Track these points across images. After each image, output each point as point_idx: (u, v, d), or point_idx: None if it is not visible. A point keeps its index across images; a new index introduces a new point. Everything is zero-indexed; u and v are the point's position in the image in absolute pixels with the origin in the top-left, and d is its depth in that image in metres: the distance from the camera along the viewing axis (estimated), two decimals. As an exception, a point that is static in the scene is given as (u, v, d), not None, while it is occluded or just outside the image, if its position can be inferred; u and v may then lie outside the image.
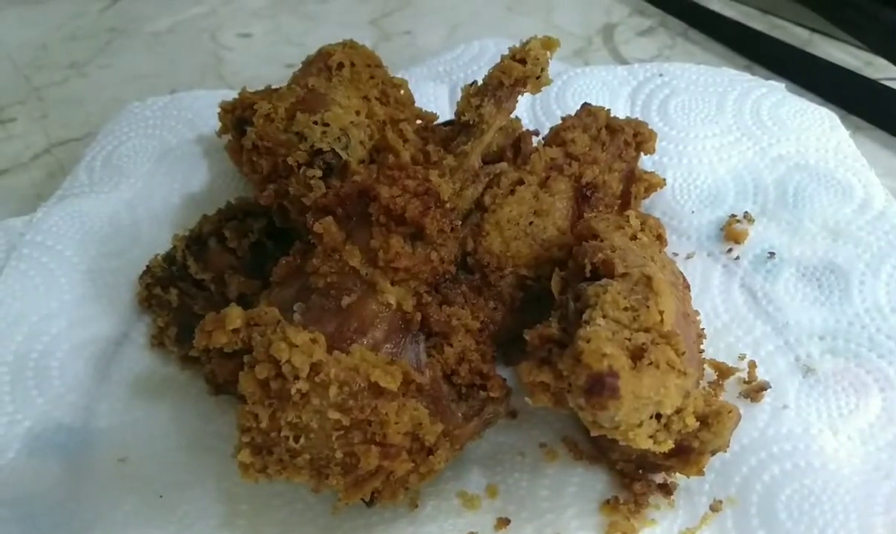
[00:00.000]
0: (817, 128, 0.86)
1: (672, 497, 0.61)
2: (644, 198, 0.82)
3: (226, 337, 0.56)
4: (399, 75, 0.99)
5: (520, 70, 0.72)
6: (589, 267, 0.60)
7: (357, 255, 0.59)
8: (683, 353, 0.55)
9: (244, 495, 0.62)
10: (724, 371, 0.68)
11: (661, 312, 0.55)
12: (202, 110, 0.94)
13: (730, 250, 0.78)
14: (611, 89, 0.96)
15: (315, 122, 0.68)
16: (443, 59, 1.05)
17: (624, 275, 0.58)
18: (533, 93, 0.75)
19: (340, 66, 0.75)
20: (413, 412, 0.56)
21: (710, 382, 0.68)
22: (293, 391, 0.54)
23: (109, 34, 1.29)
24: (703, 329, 0.66)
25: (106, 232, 0.79)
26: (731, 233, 0.79)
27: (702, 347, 0.65)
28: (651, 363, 0.52)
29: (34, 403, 0.66)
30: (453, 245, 0.64)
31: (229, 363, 0.64)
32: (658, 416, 0.53)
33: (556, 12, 1.37)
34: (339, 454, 0.54)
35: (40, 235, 0.77)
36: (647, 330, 0.54)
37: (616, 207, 0.77)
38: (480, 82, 0.75)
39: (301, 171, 0.66)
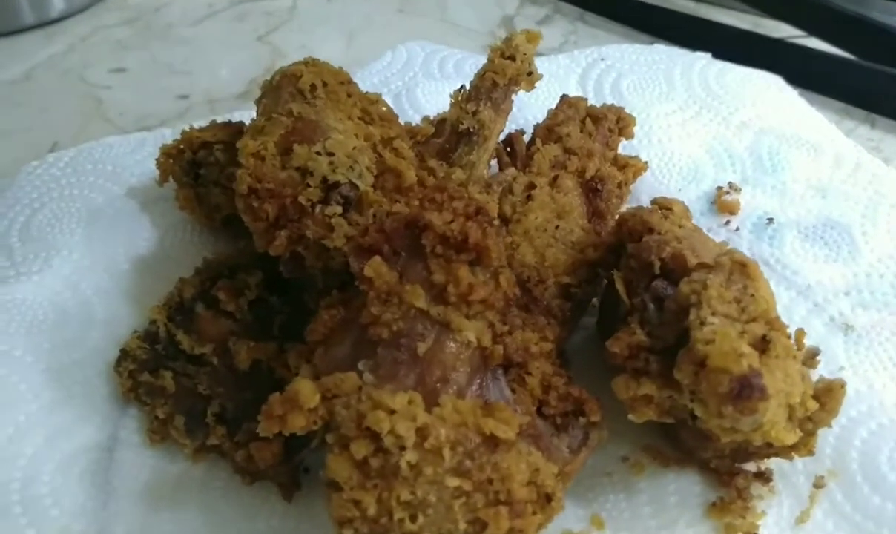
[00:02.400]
0: (768, 91, 0.89)
1: (772, 484, 0.59)
2: (632, 183, 0.80)
3: (303, 418, 0.47)
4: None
5: (512, 68, 0.68)
6: (658, 263, 0.57)
7: (420, 294, 0.51)
8: (790, 336, 0.53)
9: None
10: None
11: (765, 299, 0.52)
12: (121, 159, 0.81)
13: (727, 222, 0.78)
14: (558, 79, 0.93)
15: (318, 153, 0.59)
16: (373, 70, 0.97)
17: (706, 266, 0.55)
18: (527, 90, 0.70)
19: (314, 87, 0.65)
20: (529, 459, 0.49)
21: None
22: (402, 465, 0.46)
23: (-46, 92, 1.08)
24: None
25: (53, 320, 0.65)
26: (723, 205, 0.79)
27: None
28: (776, 355, 0.50)
29: (35, 545, 0.52)
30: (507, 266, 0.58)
31: (271, 445, 0.55)
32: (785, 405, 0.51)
33: (449, 11, 1.33)
34: (462, 524, 0.47)
35: (-26, 339, 0.61)
36: (755, 320, 0.52)
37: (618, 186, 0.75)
38: (469, 87, 0.70)
39: (317, 210, 0.57)
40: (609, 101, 0.90)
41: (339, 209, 0.57)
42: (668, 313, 0.54)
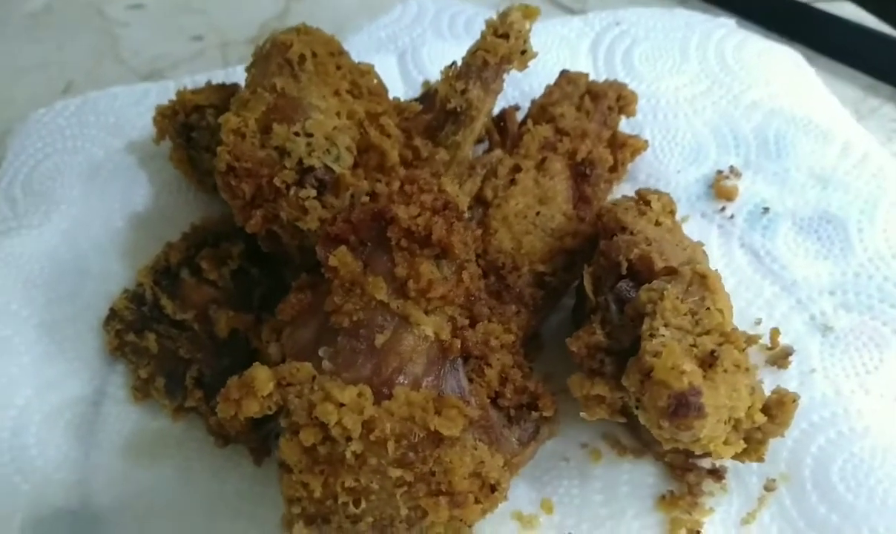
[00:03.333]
0: (784, 69, 0.86)
1: (724, 481, 0.60)
2: (630, 162, 0.79)
3: (257, 404, 0.50)
4: (338, 47, 0.91)
5: (504, 47, 0.67)
6: (625, 264, 0.57)
7: (382, 286, 0.53)
8: (744, 348, 0.54)
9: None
10: (746, 340, 0.66)
11: (721, 311, 0.53)
12: (124, 111, 0.83)
13: (723, 209, 0.77)
14: (569, 44, 0.91)
15: (297, 134, 0.59)
16: (381, 23, 0.96)
17: (671, 271, 0.55)
18: (519, 70, 0.69)
19: (303, 58, 0.65)
20: (474, 452, 0.51)
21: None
22: (348, 454, 0.48)
23: (-24, 22, 1.10)
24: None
25: (49, 274, 0.68)
26: (721, 190, 0.78)
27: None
28: (723, 370, 0.50)
29: (20, 490, 0.57)
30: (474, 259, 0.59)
31: (240, 416, 0.57)
32: (728, 419, 0.52)
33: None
34: (403, 511, 0.49)
35: (-26, 293, 0.65)
36: (709, 333, 0.52)
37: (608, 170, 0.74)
38: (460, 63, 0.69)
39: (292, 192, 0.58)
40: (619, 69, 0.88)
41: (314, 192, 0.59)
42: (626, 318, 0.55)
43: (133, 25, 1.11)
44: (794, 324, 0.68)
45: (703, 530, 0.58)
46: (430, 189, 0.56)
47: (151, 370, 0.63)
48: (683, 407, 0.47)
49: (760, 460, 0.56)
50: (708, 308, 0.52)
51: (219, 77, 0.86)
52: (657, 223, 0.62)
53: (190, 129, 0.71)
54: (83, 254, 0.71)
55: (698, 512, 0.59)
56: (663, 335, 0.51)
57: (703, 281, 0.53)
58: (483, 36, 0.67)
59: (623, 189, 0.79)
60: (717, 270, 0.70)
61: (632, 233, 0.59)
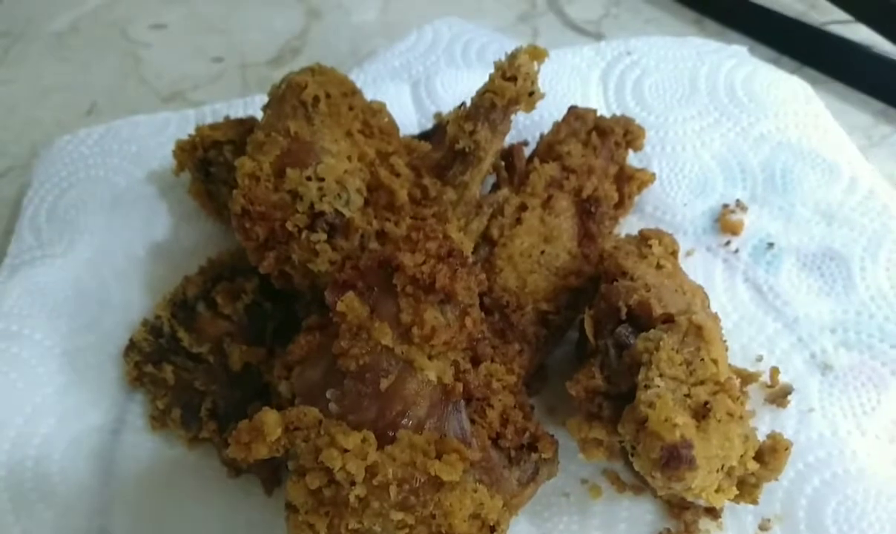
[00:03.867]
0: (793, 101, 0.86)
1: (720, 520, 0.62)
2: (637, 195, 0.80)
3: (266, 448, 0.52)
4: (353, 77, 0.93)
5: (512, 90, 0.68)
6: (624, 310, 0.59)
7: (388, 332, 0.55)
8: (739, 397, 0.55)
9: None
10: (746, 377, 0.68)
11: (715, 362, 0.54)
12: (146, 140, 0.85)
13: (728, 243, 0.78)
14: (580, 74, 0.92)
15: (309, 178, 0.62)
16: (396, 51, 0.98)
17: (669, 319, 0.56)
18: (526, 111, 0.71)
19: (317, 100, 0.68)
20: (473, 495, 0.53)
21: (733, 390, 0.68)
22: (351, 498, 0.50)
23: (4, 40, 1.14)
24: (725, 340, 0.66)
25: (72, 303, 0.71)
26: (726, 224, 0.79)
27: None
28: (717, 420, 0.52)
29: (42, 518, 0.60)
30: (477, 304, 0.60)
31: (252, 448, 0.60)
32: (721, 467, 0.53)
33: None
34: (405, 553, 0.52)
35: (2, 321, 0.68)
36: (703, 382, 0.54)
37: (614, 207, 0.76)
38: (469, 104, 0.71)
39: (303, 236, 0.61)
40: (629, 100, 0.89)
41: (324, 236, 0.61)
42: (624, 364, 0.56)
43: (155, 46, 1.14)
44: (795, 362, 0.69)
45: (698, 569, 0.60)
46: (435, 237, 0.58)
47: (168, 401, 0.66)
48: (675, 459, 0.49)
49: (754, 503, 0.58)
50: (702, 359, 0.54)
51: (238, 106, 0.89)
52: (658, 266, 0.63)
53: (208, 164, 0.74)
54: (105, 283, 0.74)
55: (694, 550, 0.61)
56: (658, 386, 0.52)
57: (699, 332, 0.54)
58: (491, 78, 0.69)
59: (630, 221, 0.80)
60: (720, 306, 0.73)
61: (632, 278, 0.60)
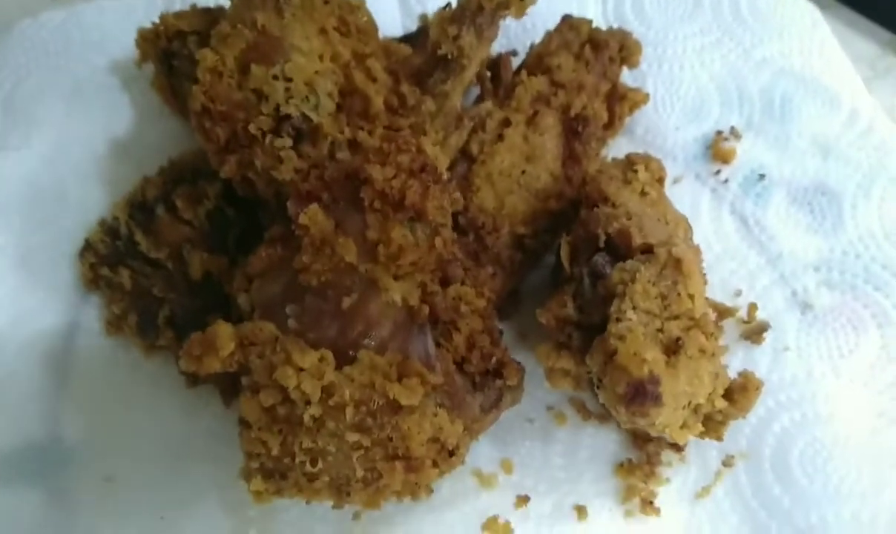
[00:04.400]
0: (799, 25, 0.81)
1: (683, 453, 0.61)
2: (628, 116, 0.76)
3: (218, 363, 0.50)
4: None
5: (502, -9, 0.63)
6: (603, 237, 0.56)
7: (352, 248, 0.52)
8: (713, 334, 0.53)
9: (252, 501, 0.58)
10: (722, 312, 0.67)
11: (691, 297, 0.52)
12: (110, 27, 0.79)
13: (718, 172, 0.75)
14: (579, -21, 0.86)
15: (275, 77, 0.57)
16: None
17: (645, 250, 0.54)
18: (516, 17, 0.66)
19: (290, -9, 0.63)
20: (433, 419, 0.52)
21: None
22: (306, 417, 0.49)
23: None
24: (705, 273, 0.64)
25: (27, 200, 0.68)
26: (718, 152, 0.75)
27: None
28: (687, 356, 0.50)
29: (-8, 422, 0.59)
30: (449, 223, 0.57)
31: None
32: (688, 404, 0.52)
33: None
34: (360, 472, 0.50)
35: (-48, 215, 0.65)
36: (678, 318, 0.52)
37: (602, 128, 0.72)
38: (455, 4, 0.66)
39: (267, 140, 0.57)
40: (629, 15, 0.84)
41: (289, 142, 0.57)
42: (598, 295, 0.54)
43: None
44: (774, 299, 0.68)
45: (656, 500, 0.59)
46: (408, 149, 0.54)
47: (124, 307, 0.63)
48: (640, 395, 0.47)
49: (719, 440, 0.57)
50: (679, 293, 0.51)
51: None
52: (643, 193, 0.60)
53: (172, 56, 0.69)
54: (62, 179, 0.70)
55: (654, 482, 0.60)
56: (630, 319, 0.50)
57: (678, 265, 0.52)
58: (480, -22, 0.64)
59: (619, 143, 0.77)
60: (703, 237, 0.71)
61: (613, 205, 0.57)
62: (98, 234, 0.65)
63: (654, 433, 0.52)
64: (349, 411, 0.49)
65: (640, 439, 0.62)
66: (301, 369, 0.49)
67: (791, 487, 0.58)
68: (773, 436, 0.60)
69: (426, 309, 0.54)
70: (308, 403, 0.49)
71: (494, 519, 0.58)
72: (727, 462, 0.60)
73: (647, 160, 0.63)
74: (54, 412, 0.60)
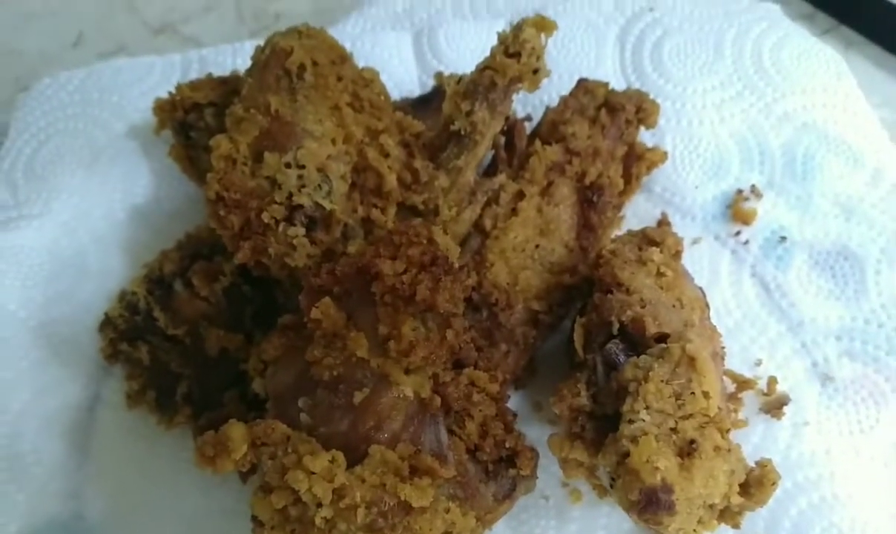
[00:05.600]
0: (823, 78, 0.79)
1: (700, 536, 0.60)
2: (646, 176, 0.75)
3: (231, 464, 0.50)
4: (352, 22, 0.87)
5: (514, 68, 0.63)
6: (617, 325, 0.55)
7: (364, 343, 0.52)
8: (728, 430, 0.52)
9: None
10: (742, 384, 0.66)
11: (706, 394, 0.51)
12: (128, 89, 0.81)
13: (738, 233, 0.74)
14: (597, 31, 0.85)
15: (288, 165, 0.58)
16: (400, -7, 0.91)
17: (660, 339, 0.53)
18: (530, 91, 0.65)
19: (302, 69, 0.62)
20: (445, 516, 0.52)
21: (728, 395, 0.66)
22: (317, 519, 0.49)
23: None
24: (723, 348, 0.63)
25: (48, 269, 0.69)
26: (738, 212, 0.74)
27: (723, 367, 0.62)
28: (703, 457, 0.49)
29: (14, 501, 0.60)
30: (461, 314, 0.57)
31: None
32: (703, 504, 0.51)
33: None
34: (373, 574, 0.51)
35: (-27, 291, 0.66)
36: (692, 416, 0.51)
37: (618, 195, 0.71)
38: (468, 78, 0.65)
39: (280, 229, 0.57)
40: (647, 66, 0.83)
41: (302, 230, 0.57)
42: (611, 386, 0.54)
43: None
44: (795, 369, 0.67)
45: (674, 584, 0.59)
46: (418, 242, 0.54)
47: (143, 382, 0.64)
48: (654, 504, 0.47)
49: (736, 527, 0.56)
50: (692, 393, 0.51)
51: (226, 52, 0.84)
52: (659, 273, 0.59)
53: (189, 127, 0.69)
54: (83, 249, 0.71)
55: (671, 565, 0.59)
56: (643, 420, 0.50)
57: (692, 363, 0.51)
58: (493, 53, 0.63)
59: (636, 201, 0.76)
60: (723, 302, 0.70)
61: (628, 291, 0.57)
62: (117, 309, 0.66)
63: None
64: (360, 512, 0.49)
65: (656, 521, 0.61)
66: (312, 473, 0.49)
67: (809, 575, 0.57)
68: (790, 519, 0.60)
69: (438, 400, 0.54)
70: (319, 505, 0.49)
71: (510, 602, 0.58)
72: (744, 546, 0.60)
73: (663, 236, 0.63)
74: (76, 489, 0.61)
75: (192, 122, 0.69)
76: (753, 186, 0.76)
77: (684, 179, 0.77)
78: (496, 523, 0.58)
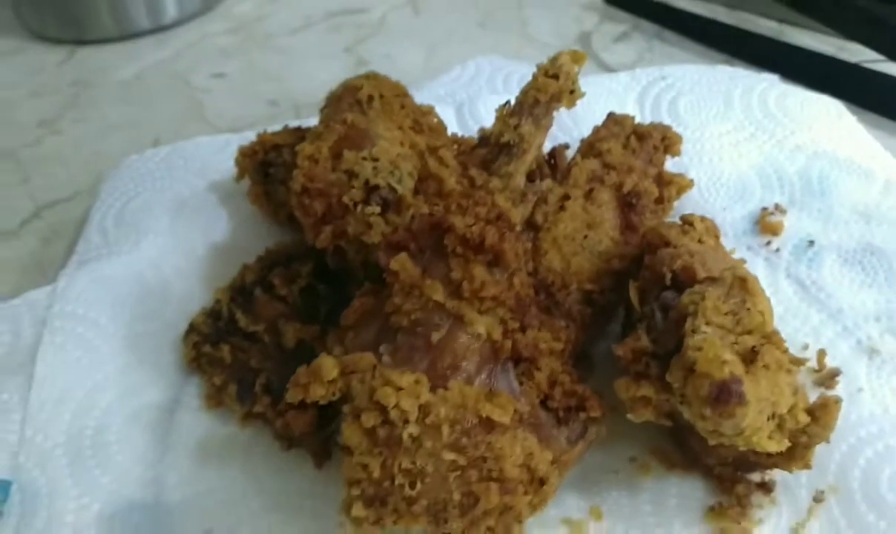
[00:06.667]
0: (826, 117, 0.89)
1: (773, 494, 0.61)
2: (676, 199, 0.82)
3: (323, 388, 0.54)
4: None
5: (554, 86, 0.72)
6: (669, 275, 0.60)
7: (439, 288, 0.57)
8: (786, 350, 0.56)
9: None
10: (794, 362, 0.68)
11: (761, 313, 0.55)
12: (209, 158, 0.91)
13: (768, 243, 0.79)
14: (617, 97, 0.96)
15: (364, 159, 0.66)
16: (441, 82, 1.04)
17: (713, 280, 0.58)
18: (568, 107, 0.74)
19: (371, 98, 0.73)
20: (524, 443, 0.54)
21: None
22: (405, 436, 0.52)
23: (74, 88, 1.23)
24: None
25: (135, 294, 0.75)
26: (766, 226, 0.80)
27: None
28: (764, 365, 0.52)
29: (99, 483, 0.62)
30: (525, 269, 0.63)
31: (305, 415, 0.62)
32: (772, 416, 0.53)
33: (529, 25, 1.38)
34: (456, 496, 0.52)
35: (69, 305, 0.72)
36: (750, 333, 0.55)
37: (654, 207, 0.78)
38: (514, 102, 0.75)
39: (358, 209, 0.64)
40: (666, 119, 0.93)
41: (378, 209, 0.64)
42: (671, 322, 0.57)
43: (215, 92, 1.22)
44: (841, 349, 0.70)
45: (752, 539, 0.59)
46: (484, 203, 0.61)
47: (224, 378, 0.68)
48: (725, 393, 0.49)
49: (807, 467, 0.57)
50: (748, 309, 0.55)
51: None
52: (700, 242, 0.65)
53: (268, 165, 0.78)
54: (167, 278, 0.77)
55: (747, 522, 0.59)
56: (705, 332, 0.53)
57: (744, 284, 0.56)
58: (534, 77, 0.73)
59: (670, 226, 0.82)
60: (763, 298, 0.74)
61: (675, 246, 0.62)
62: (201, 317, 0.71)
63: (742, 445, 0.53)
64: (445, 429, 0.52)
65: (727, 481, 0.62)
66: (400, 389, 0.52)
67: (886, 511, 0.57)
68: (859, 468, 0.60)
69: (509, 344, 0.58)
70: (406, 421, 0.52)
71: (588, 562, 0.58)
72: (818, 498, 0.60)
73: (700, 218, 0.69)
74: (157, 476, 0.63)
75: (272, 160, 0.78)
76: (777, 204, 0.82)
77: (712, 204, 0.84)
78: (571, 466, 0.59)
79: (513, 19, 1.39)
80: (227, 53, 1.33)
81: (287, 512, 0.61)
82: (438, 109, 0.95)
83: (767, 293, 0.74)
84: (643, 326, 0.60)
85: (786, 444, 0.54)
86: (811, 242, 0.78)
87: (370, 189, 0.64)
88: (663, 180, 0.80)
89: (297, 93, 1.20)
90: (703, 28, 1.25)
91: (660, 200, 0.79)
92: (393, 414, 0.52)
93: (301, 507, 0.62)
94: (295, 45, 1.35)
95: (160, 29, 1.37)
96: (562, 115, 0.94)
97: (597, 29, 1.35)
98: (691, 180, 0.83)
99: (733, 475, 0.62)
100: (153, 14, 1.35)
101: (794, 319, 0.73)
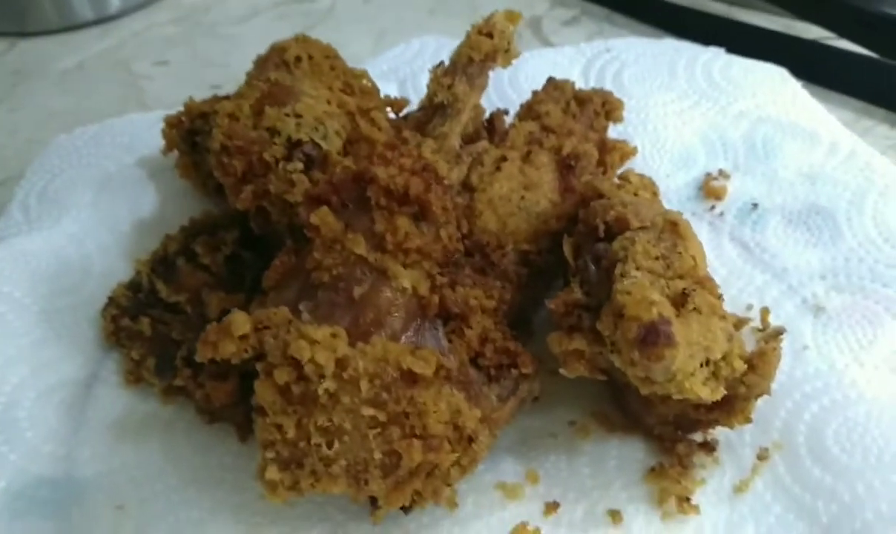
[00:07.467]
0: (770, 83, 0.88)
1: (715, 453, 0.59)
2: (619, 166, 0.80)
3: (234, 345, 0.51)
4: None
5: (488, 44, 0.70)
6: (602, 226, 0.58)
7: (362, 242, 0.54)
8: (720, 296, 0.54)
9: (267, 523, 0.55)
10: (736, 323, 0.66)
11: (693, 257, 0.53)
12: (138, 133, 0.87)
13: (712, 207, 0.78)
14: (562, 69, 0.95)
15: (287, 115, 0.63)
16: (385, 58, 1.02)
17: (644, 227, 0.56)
18: (503, 66, 0.72)
19: (298, 59, 0.70)
20: (450, 399, 0.51)
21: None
22: (320, 392, 0.49)
23: (14, 77, 1.18)
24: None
25: (54, 269, 0.71)
26: (710, 190, 0.79)
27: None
28: (694, 309, 0.50)
29: (6, 460, 0.58)
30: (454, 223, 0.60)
31: (225, 385, 0.58)
32: (706, 363, 0.51)
33: (480, 11, 1.35)
34: (377, 455, 0.49)
35: (-19, 279, 0.68)
36: (681, 277, 0.52)
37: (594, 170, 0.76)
38: (447, 62, 0.73)
39: (280, 166, 0.61)
40: (609, 88, 0.91)
41: (300, 166, 0.61)
42: (602, 271, 0.55)
43: (157, 78, 1.18)
44: (786, 307, 0.68)
45: (693, 499, 0.56)
46: (409, 154, 0.58)
47: (144, 352, 0.64)
48: (653, 334, 0.47)
49: (748, 420, 0.55)
50: (680, 253, 0.53)
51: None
52: (635, 196, 0.63)
53: (195, 133, 0.75)
54: (88, 253, 0.74)
55: (688, 482, 0.57)
56: (635, 276, 0.51)
57: (675, 228, 0.54)
58: (468, 35, 0.71)
59: (614, 194, 0.80)
60: (708, 265, 0.72)
61: (608, 199, 0.60)
62: (121, 289, 0.67)
63: (675, 393, 0.50)
64: (364, 383, 0.49)
65: (668, 442, 0.59)
66: (315, 342, 0.49)
67: (831, 465, 0.55)
68: (805, 424, 0.58)
69: (436, 299, 0.55)
70: (322, 376, 0.49)
71: (524, 526, 0.55)
72: (762, 455, 0.58)
73: (635, 175, 0.67)
74: (69, 452, 0.59)
75: (199, 128, 0.75)
76: (721, 169, 0.81)
77: (655, 171, 0.82)
78: (502, 424, 0.56)
79: (464, 5, 1.37)
80: (173, 42, 1.29)
81: (205, 485, 0.58)
82: (381, 85, 0.92)
83: (711, 256, 0.73)
84: (577, 281, 0.57)
85: (721, 392, 0.51)
86: (755, 205, 0.76)
87: (293, 145, 0.61)
88: (606, 147, 0.79)
89: (242, 77, 1.17)
90: (651, 10, 1.24)
91: (602, 166, 0.77)
92: (308, 369, 0.49)
93: (222, 480, 0.59)
94: (242, 34, 1.32)
95: (105, 19, 1.33)
96: (504, 86, 0.92)
97: (547, 14, 1.33)
98: (634, 147, 0.81)
99: (674, 435, 0.59)
100: (97, 4, 1.31)
101: (738, 281, 0.71)
